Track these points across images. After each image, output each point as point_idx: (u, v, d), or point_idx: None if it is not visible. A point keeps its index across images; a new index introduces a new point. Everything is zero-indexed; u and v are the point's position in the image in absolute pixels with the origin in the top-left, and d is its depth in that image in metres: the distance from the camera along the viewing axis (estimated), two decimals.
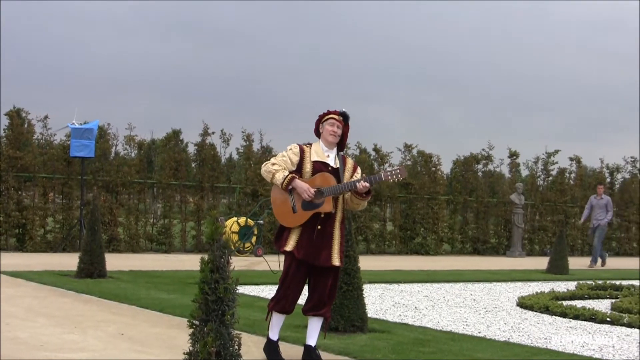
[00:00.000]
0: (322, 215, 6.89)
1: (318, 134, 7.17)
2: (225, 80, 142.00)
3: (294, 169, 6.98)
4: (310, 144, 7.14)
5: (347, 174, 7.07)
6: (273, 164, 6.98)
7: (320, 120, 7.14)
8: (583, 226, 26.96)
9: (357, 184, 6.86)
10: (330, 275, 6.99)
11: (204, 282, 4.52)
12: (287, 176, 6.87)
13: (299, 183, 6.85)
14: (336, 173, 7.00)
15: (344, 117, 7.08)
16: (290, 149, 7.08)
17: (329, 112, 7.10)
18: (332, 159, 7.07)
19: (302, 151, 7.05)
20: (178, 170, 22.99)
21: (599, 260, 22.76)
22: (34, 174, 20.84)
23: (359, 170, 7.22)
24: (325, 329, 7.26)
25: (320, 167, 6.98)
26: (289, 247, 6.89)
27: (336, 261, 6.94)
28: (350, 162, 7.21)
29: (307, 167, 6.98)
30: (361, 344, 7.99)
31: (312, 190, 6.82)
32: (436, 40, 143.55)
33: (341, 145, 7.17)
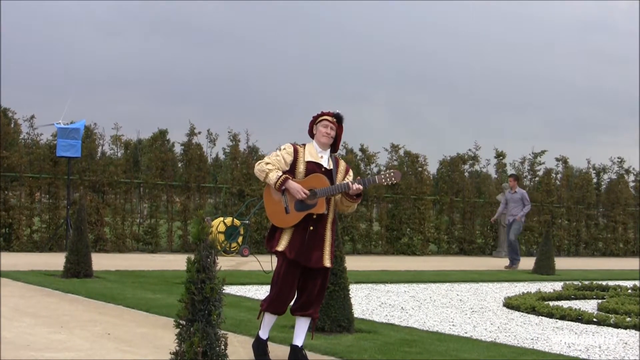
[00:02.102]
0: (315, 217, 6.89)
1: (312, 135, 7.17)
2: (211, 80, 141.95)
3: (287, 169, 6.96)
4: (304, 145, 7.13)
5: (339, 176, 7.08)
6: (267, 163, 6.96)
7: (314, 121, 7.13)
8: (495, 223, 25.63)
9: (351, 185, 6.86)
10: (320, 276, 6.99)
11: (191, 282, 4.51)
12: (280, 176, 6.85)
13: (292, 184, 6.84)
14: (329, 174, 7.00)
15: (338, 119, 7.08)
16: (284, 149, 7.06)
17: (322, 114, 7.09)
18: (325, 160, 7.07)
19: (295, 151, 7.03)
20: (164, 170, 22.95)
21: (508, 261, 20.77)
22: (20, 173, 20.74)
23: (350, 172, 7.22)
24: (312, 329, 7.25)
25: (313, 167, 6.97)
26: (281, 247, 6.88)
27: (327, 262, 6.95)
28: (342, 164, 7.21)
29: (301, 168, 6.97)
30: (347, 344, 7.98)
31: (306, 191, 6.81)
32: (423, 40, 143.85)
33: (335, 146, 7.17)
